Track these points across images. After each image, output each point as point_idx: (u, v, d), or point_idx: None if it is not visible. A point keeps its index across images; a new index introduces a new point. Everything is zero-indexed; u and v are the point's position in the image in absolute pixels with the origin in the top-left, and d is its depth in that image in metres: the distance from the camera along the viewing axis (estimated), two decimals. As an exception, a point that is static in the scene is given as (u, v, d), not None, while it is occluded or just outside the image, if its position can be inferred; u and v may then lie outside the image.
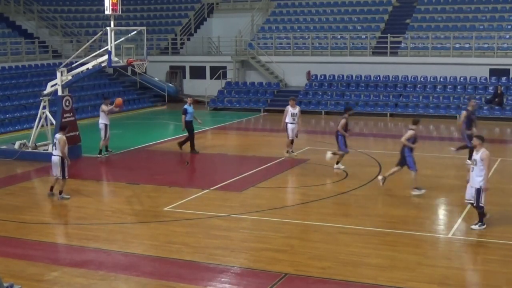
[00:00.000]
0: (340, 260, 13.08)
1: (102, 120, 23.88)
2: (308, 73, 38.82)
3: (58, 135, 18.07)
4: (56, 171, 17.90)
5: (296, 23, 42.96)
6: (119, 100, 24.37)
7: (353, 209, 16.85)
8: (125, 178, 20.53)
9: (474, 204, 14.92)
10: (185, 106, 24.50)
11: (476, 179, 14.73)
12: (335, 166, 21.36)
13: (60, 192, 18.00)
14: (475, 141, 15.06)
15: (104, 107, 23.92)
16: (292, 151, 23.48)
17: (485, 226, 14.94)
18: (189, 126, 24.41)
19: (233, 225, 15.59)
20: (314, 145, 26.07)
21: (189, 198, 17.92)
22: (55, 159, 17.87)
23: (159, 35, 44.98)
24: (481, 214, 14.92)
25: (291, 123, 23.18)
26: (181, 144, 24.62)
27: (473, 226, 14.92)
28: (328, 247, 13.87)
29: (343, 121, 21.22)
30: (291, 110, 23.21)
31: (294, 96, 27.31)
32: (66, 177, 17.96)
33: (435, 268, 12.55)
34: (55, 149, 17.96)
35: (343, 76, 38.00)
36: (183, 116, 24.31)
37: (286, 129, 23.37)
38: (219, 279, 12.30)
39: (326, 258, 13.16)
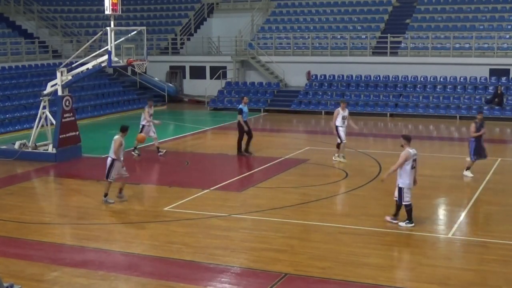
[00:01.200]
0: (340, 260, 13.08)
1: (141, 121, 24.17)
2: (308, 73, 38.83)
3: (116, 136, 17.68)
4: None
5: (296, 23, 42.96)
6: (141, 137, 21.27)
7: (353, 209, 16.85)
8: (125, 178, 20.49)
9: (398, 203, 15.20)
10: (240, 106, 24.04)
11: (399, 178, 15.11)
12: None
13: (105, 195, 17.45)
14: (401, 141, 15.38)
15: (146, 108, 24.23)
16: (343, 156, 22.68)
17: (413, 224, 15.07)
18: (244, 126, 23.81)
19: (233, 225, 15.59)
20: (314, 145, 26.07)
21: (189, 198, 17.92)
22: (108, 160, 17.49)
23: (159, 35, 44.97)
24: (408, 212, 15.13)
25: (341, 126, 22.60)
26: (246, 148, 23.99)
27: (401, 224, 15.15)
28: (328, 247, 13.87)
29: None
30: (342, 113, 22.48)
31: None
32: (110, 179, 17.39)
33: (435, 268, 12.55)
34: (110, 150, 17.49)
35: (343, 76, 37.99)
36: (240, 116, 23.80)
37: (337, 133, 22.59)
38: (219, 279, 12.30)
39: (326, 258, 13.16)
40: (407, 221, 15.13)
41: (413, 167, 15.02)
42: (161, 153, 23.91)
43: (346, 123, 22.71)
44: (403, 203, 15.06)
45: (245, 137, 24.04)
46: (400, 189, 15.11)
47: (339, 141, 22.60)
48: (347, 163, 22.01)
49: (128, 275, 12.42)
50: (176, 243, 14.27)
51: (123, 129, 18.02)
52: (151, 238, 14.69)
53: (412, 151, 15.07)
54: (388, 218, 15.40)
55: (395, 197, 15.31)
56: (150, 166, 22.86)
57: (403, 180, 15.05)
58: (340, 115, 22.46)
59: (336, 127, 22.61)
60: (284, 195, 18.25)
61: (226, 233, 14.92)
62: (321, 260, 13.08)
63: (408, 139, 15.38)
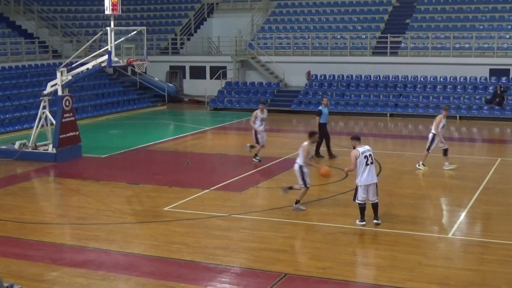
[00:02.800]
0: (340, 260, 13.07)
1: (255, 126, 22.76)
2: (308, 73, 38.83)
3: (305, 143, 16.75)
4: (298, 180, 16.80)
5: (296, 23, 42.96)
6: (325, 171, 17.50)
7: (353, 209, 16.78)
8: (125, 178, 20.53)
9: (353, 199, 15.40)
10: (320, 108, 23.67)
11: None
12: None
13: (296, 202, 16.84)
14: (352, 143, 15.54)
15: (257, 113, 22.93)
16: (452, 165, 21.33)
17: (364, 223, 15.13)
18: (323, 128, 23.25)
19: (233, 225, 15.59)
20: (314, 145, 26.03)
21: (189, 198, 17.92)
22: (295, 166, 16.82)
23: (159, 35, 44.98)
24: (360, 210, 15.22)
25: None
26: (330, 153, 23.32)
27: (357, 222, 15.28)
28: (328, 247, 13.87)
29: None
30: (443, 122, 21.46)
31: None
32: (307, 185, 16.74)
33: (435, 268, 12.55)
34: (298, 156, 16.90)
35: (343, 76, 37.99)
36: (318, 118, 23.37)
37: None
38: (219, 279, 12.30)
39: (326, 258, 13.16)
40: (359, 219, 15.24)
41: (367, 164, 14.96)
42: (256, 160, 22.63)
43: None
44: (356, 201, 15.20)
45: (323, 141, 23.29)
46: (356, 187, 15.21)
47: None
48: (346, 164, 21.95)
49: (128, 275, 12.42)
50: (176, 243, 14.27)
51: (312, 135, 17.06)
52: (151, 238, 14.70)
53: (361, 149, 15.08)
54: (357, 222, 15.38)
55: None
56: (150, 166, 22.85)
57: (358, 178, 15.11)
58: (442, 123, 21.40)
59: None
60: (284, 195, 18.23)
61: (226, 233, 14.93)
62: (321, 260, 13.08)
63: (357, 138, 15.51)
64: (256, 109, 23.32)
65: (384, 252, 13.55)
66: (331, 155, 23.28)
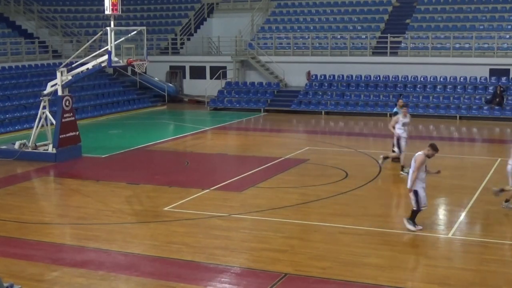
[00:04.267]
0: (340, 260, 13.08)
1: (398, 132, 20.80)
2: (308, 73, 38.83)
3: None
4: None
5: (296, 23, 42.94)
6: None
7: (353, 209, 16.84)
8: (125, 178, 20.52)
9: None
10: (395, 109, 22.65)
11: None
12: None
13: (506, 201, 16.55)
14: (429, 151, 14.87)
15: (396, 118, 21.05)
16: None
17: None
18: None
19: (233, 225, 15.59)
20: (314, 145, 26.08)
21: (189, 198, 17.92)
22: (508, 168, 16.35)
23: (159, 35, 44.98)
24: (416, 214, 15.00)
25: None
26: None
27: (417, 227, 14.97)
28: (328, 247, 13.87)
29: None
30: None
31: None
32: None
33: (435, 268, 12.55)
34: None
35: (343, 76, 37.97)
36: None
37: None
38: (219, 279, 12.30)
39: (326, 258, 13.16)
40: (415, 224, 14.97)
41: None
42: (404, 174, 19.70)
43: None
44: (422, 208, 14.85)
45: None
46: (416, 193, 14.71)
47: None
48: (346, 163, 21.95)
49: (128, 275, 12.42)
50: (176, 243, 14.27)
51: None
52: (151, 238, 14.70)
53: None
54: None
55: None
56: (150, 166, 22.85)
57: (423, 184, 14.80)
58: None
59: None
60: (284, 195, 18.26)
61: (226, 233, 14.93)
62: (321, 260, 13.08)
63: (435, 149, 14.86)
64: (397, 114, 21.20)
65: (384, 252, 13.56)
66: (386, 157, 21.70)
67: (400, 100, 23.21)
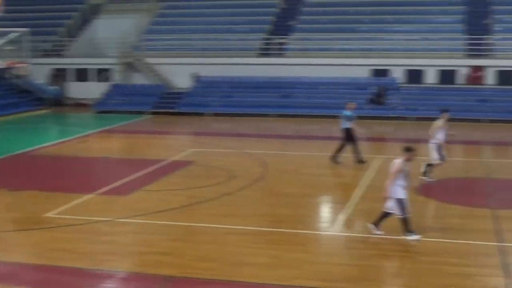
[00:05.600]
0: (226, 260, 13.08)
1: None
2: (195, 74, 38.78)
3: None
4: None
5: (182, 24, 42.84)
6: None
7: (240, 210, 16.92)
8: (6, 184, 19.77)
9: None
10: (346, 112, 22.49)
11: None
12: None
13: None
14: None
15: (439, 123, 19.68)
16: None
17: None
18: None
19: (117, 229, 15.31)
20: (200, 147, 26.07)
21: (72, 203, 17.46)
22: None
23: (43, 36, 43.65)
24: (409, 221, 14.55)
25: None
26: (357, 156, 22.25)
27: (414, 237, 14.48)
28: (215, 248, 13.85)
29: None
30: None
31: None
32: None
33: (319, 265, 12.77)
34: None
35: (230, 77, 38.18)
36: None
37: None
38: (103, 285, 12.05)
39: (212, 259, 13.13)
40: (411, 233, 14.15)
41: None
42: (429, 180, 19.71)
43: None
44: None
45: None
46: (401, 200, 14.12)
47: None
48: (232, 163, 22.06)
49: (7, 285, 11.96)
50: (58, 250, 13.85)
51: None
52: (32, 246, 14.22)
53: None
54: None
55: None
56: (32, 171, 22.14)
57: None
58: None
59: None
60: (171, 197, 18.12)
61: (111, 238, 14.64)
62: (208, 261, 13.04)
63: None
64: (437, 119, 19.87)
65: (270, 251, 13.66)
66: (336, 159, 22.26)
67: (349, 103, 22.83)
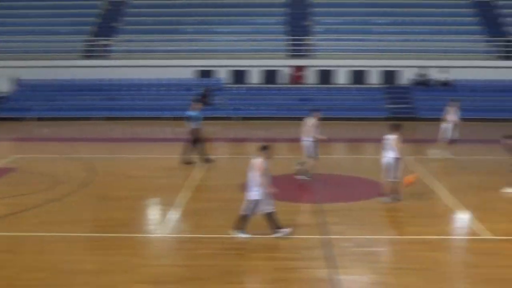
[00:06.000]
0: (57, 269, 12.69)
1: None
2: (15, 78, 37.32)
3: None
4: None
5: (1, 26, 40.97)
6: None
7: (67, 216, 16.48)
8: None
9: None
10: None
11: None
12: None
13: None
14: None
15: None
16: None
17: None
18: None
19: None
20: (23, 153, 25.18)
21: None
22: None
23: None
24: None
25: None
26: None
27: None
28: (44, 257, 13.40)
29: None
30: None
31: None
32: None
33: (149, 267, 12.74)
34: None
35: (53, 80, 37.07)
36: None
37: None
38: None
39: (42, 269, 12.69)
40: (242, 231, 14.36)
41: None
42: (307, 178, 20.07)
43: None
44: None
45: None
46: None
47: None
48: (55, 169, 21.48)
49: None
50: None
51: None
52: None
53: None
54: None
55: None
56: None
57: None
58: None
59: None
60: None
61: None
62: (37, 271, 12.59)
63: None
64: (308, 118, 20.43)
65: (101, 257, 13.45)
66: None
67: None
